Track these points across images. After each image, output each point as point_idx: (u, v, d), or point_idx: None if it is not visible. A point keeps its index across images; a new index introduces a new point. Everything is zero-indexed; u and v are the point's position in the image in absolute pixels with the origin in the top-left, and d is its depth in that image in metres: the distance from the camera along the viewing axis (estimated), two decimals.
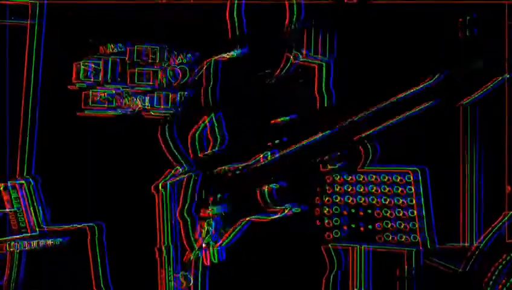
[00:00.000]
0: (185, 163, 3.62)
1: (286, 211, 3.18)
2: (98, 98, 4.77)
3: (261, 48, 3.20)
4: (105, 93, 4.77)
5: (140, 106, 4.75)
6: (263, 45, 3.20)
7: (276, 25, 3.25)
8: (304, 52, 3.24)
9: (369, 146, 3.21)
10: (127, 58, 4.78)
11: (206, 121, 3.35)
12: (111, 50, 4.78)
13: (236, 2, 3.31)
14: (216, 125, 3.30)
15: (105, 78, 4.77)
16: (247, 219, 3.32)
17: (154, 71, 4.77)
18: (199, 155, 3.42)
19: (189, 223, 3.57)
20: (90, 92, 4.76)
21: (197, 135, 3.40)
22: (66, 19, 4.78)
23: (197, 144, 3.41)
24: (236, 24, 3.21)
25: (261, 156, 3.22)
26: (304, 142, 3.17)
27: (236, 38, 3.21)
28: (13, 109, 4.71)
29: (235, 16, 3.27)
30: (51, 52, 4.79)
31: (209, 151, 3.35)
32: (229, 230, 3.39)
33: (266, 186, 3.19)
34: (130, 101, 4.76)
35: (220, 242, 3.42)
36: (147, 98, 4.76)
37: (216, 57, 3.39)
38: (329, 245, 3.90)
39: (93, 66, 4.78)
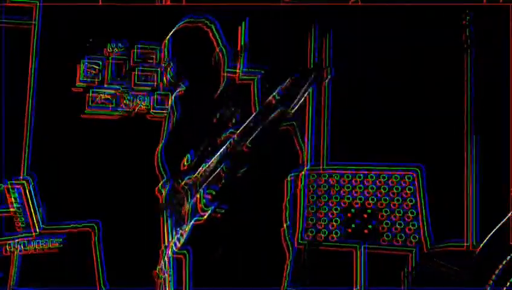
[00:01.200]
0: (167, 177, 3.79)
1: (209, 212, 3.38)
2: (98, 98, 4.77)
3: (199, 77, 3.41)
4: (106, 94, 4.77)
5: (140, 106, 4.76)
6: (199, 74, 3.40)
7: (206, 51, 3.44)
8: (238, 70, 3.43)
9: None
10: (127, 59, 4.79)
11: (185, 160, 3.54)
12: (111, 50, 4.79)
13: (166, 40, 3.50)
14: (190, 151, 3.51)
15: (105, 78, 4.78)
16: (191, 222, 3.48)
17: (154, 71, 4.78)
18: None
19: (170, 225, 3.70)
20: (90, 93, 4.77)
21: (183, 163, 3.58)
22: (66, 20, 4.79)
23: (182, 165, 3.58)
24: (170, 63, 3.42)
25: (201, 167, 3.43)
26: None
27: (175, 76, 3.43)
28: (13, 109, 4.72)
29: (166, 54, 3.46)
30: (51, 53, 4.79)
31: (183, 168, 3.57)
32: (183, 233, 3.56)
33: (199, 193, 3.40)
34: (130, 101, 4.77)
35: (179, 245, 3.57)
36: (148, 99, 4.76)
37: (174, 93, 3.60)
38: (288, 240, 3.99)
39: (94, 67, 4.78)
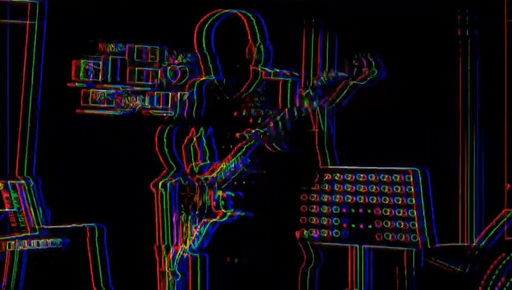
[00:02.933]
0: (176, 168, 3.74)
1: (228, 215, 3.34)
2: (98, 97, 4.77)
3: (232, 71, 3.37)
4: (105, 93, 4.77)
5: (140, 105, 4.76)
6: (233, 68, 3.36)
7: (241, 45, 3.40)
8: (271, 69, 3.40)
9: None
10: (127, 58, 4.79)
11: (195, 138, 3.50)
12: (111, 50, 4.79)
13: (205, 28, 3.45)
14: (205, 141, 3.47)
15: (105, 78, 4.78)
16: (208, 222, 3.44)
17: (154, 71, 4.77)
18: (191, 164, 3.58)
19: (183, 222, 3.67)
20: (90, 92, 4.77)
21: (191, 147, 3.54)
22: (66, 19, 4.78)
23: (192, 154, 3.54)
24: (207, 53, 3.39)
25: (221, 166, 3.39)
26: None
27: (209, 67, 3.39)
28: (13, 109, 4.72)
29: (204, 44, 3.42)
30: (51, 52, 4.79)
31: (199, 163, 3.52)
32: (195, 232, 3.52)
33: (219, 193, 3.36)
34: (130, 101, 4.77)
35: (189, 243, 3.53)
36: (147, 98, 4.76)
37: (199, 81, 3.55)
38: (307, 241, 4.00)
39: (93, 65, 4.78)
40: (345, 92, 3.19)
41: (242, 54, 3.43)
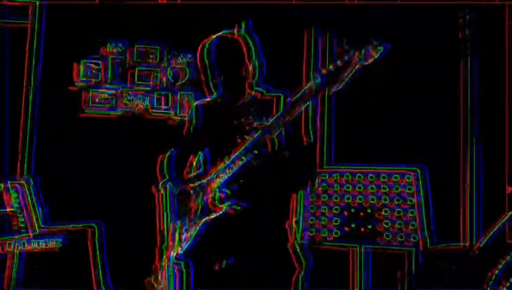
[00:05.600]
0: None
1: (225, 209, 3.38)
2: (98, 98, 4.78)
3: (232, 89, 3.44)
4: (105, 94, 4.78)
5: (140, 106, 4.76)
6: (233, 86, 3.44)
7: (238, 63, 3.47)
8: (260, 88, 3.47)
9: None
10: (127, 58, 4.80)
11: (194, 162, 3.57)
12: (111, 50, 4.79)
13: (206, 47, 3.50)
14: (202, 157, 3.54)
15: (105, 78, 4.79)
16: (203, 220, 3.47)
17: (154, 71, 4.78)
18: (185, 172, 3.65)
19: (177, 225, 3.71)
20: (90, 92, 4.78)
21: (192, 168, 3.61)
22: (66, 19, 4.79)
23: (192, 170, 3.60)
24: (209, 71, 3.44)
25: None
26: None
27: (211, 84, 3.45)
28: (13, 109, 4.73)
29: (205, 61, 3.47)
30: (51, 52, 4.80)
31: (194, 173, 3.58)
32: (189, 233, 3.55)
33: (214, 191, 3.39)
34: (130, 101, 4.78)
35: (183, 244, 3.56)
36: (147, 99, 4.77)
37: (197, 102, 3.63)
38: (295, 243, 4.01)
39: (93, 66, 4.79)
40: (351, 74, 3.23)
41: (238, 70, 3.49)
